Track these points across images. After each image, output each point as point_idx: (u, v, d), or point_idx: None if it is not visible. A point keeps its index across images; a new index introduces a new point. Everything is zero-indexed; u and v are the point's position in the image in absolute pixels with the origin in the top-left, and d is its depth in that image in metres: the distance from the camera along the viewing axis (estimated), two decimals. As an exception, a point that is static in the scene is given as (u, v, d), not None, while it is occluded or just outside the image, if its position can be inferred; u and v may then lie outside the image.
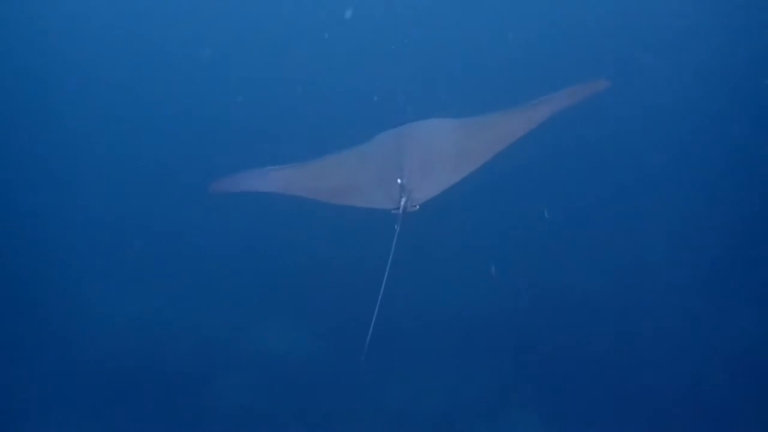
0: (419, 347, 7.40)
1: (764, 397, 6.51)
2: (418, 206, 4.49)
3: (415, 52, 10.50)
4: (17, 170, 9.33)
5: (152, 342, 7.61)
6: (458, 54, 10.49)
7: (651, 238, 8.27)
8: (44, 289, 8.05)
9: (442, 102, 5.74)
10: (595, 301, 7.72)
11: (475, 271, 7.89)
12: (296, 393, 7.13)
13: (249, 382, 7.27)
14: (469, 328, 7.59)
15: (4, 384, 7.07)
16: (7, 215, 8.81)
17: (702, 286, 7.65)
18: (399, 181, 4.45)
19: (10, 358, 7.30)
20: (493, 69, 10.05)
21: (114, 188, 9.38)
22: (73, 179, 9.44)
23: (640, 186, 8.88)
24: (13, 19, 11.19)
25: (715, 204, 8.44)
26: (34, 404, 6.96)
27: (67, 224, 8.78)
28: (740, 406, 6.50)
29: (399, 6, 11.09)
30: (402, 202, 4.42)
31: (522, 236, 8.43)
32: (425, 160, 4.59)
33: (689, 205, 8.45)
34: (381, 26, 11.00)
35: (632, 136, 9.27)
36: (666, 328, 7.28)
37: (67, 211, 8.91)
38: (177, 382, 7.20)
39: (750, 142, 8.80)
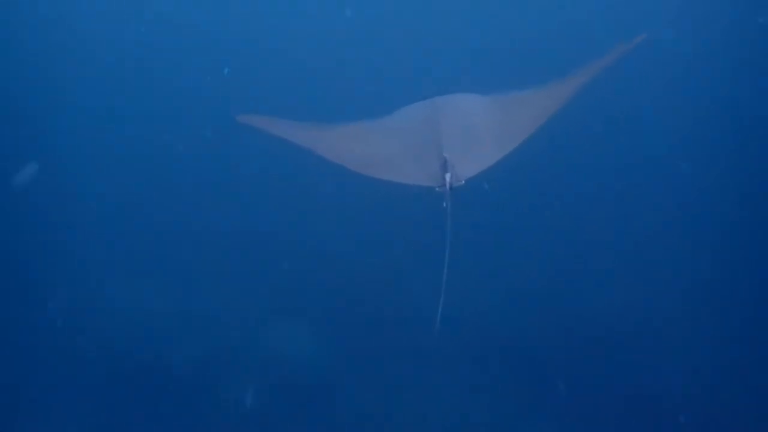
0: (432, 356, 7.07)
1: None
2: (463, 181, 4.31)
3: (430, 31, 10.47)
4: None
5: (157, 341, 7.32)
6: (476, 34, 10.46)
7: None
8: (47, 284, 7.78)
9: (461, 80, 5.47)
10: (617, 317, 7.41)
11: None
12: (302, 397, 6.89)
13: (256, 386, 6.95)
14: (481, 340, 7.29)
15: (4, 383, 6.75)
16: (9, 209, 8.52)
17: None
18: (445, 155, 4.28)
19: (11, 357, 6.98)
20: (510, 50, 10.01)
21: (122, 181, 9.14)
22: (76, 171, 9.21)
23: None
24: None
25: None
26: (36, 404, 6.69)
27: (71, 218, 8.51)
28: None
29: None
30: (448, 178, 4.24)
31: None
32: (465, 133, 4.44)
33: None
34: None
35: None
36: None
37: (71, 206, 8.66)
38: (183, 382, 6.93)
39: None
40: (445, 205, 4.25)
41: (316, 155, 4.46)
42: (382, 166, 4.42)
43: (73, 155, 9.35)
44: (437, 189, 4.28)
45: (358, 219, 7.98)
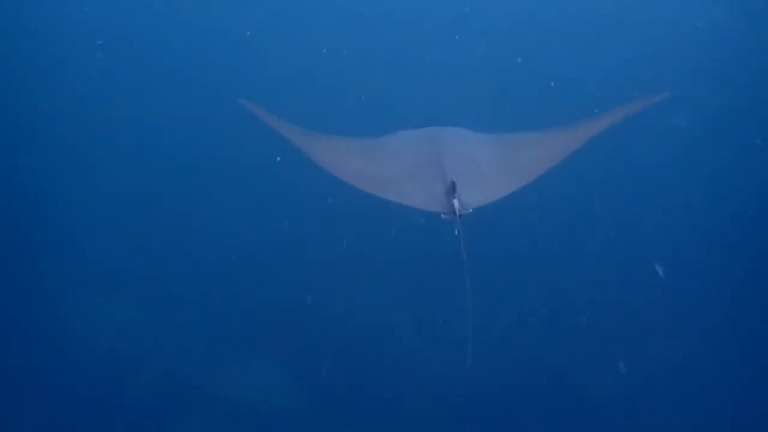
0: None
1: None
2: (471, 209, 3.97)
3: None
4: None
5: (112, 366, 6.71)
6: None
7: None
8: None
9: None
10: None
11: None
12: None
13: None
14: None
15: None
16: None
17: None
18: (452, 178, 3.93)
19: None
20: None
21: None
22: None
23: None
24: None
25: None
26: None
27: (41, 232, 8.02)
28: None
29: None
30: (456, 204, 3.88)
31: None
32: (467, 162, 4.24)
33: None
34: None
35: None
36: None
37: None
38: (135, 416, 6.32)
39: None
40: (456, 232, 3.93)
41: (316, 165, 4.13)
42: (382, 184, 4.11)
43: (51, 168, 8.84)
44: (443, 216, 3.94)
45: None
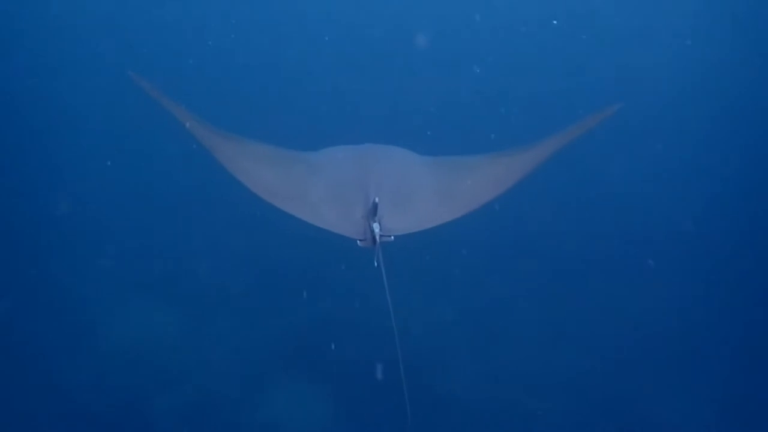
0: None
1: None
2: (392, 237, 3.32)
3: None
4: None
5: (139, 381, 6.55)
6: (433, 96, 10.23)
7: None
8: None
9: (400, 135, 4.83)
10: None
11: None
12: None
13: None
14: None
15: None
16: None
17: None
18: (375, 199, 3.31)
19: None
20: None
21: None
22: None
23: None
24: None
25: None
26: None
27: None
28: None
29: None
30: (376, 229, 3.26)
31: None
32: (399, 184, 3.70)
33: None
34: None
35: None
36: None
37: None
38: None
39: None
40: (376, 264, 3.33)
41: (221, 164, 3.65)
42: (295, 200, 3.55)
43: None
44: (359, 243, 3.34)
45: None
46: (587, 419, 6.53)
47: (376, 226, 3.28)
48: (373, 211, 3.30)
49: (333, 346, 6.61)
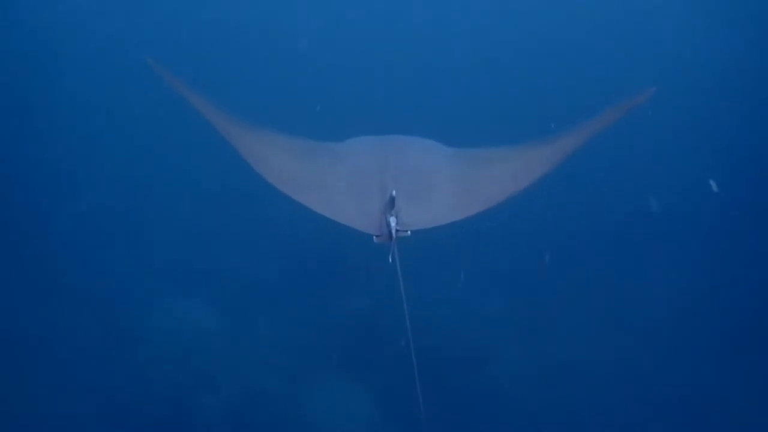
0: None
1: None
2: (410, 232, 3.11)
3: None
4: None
5: (183, 381, 6.51)
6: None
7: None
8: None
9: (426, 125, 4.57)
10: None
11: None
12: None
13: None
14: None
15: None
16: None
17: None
18: (393, 193, 3.10)
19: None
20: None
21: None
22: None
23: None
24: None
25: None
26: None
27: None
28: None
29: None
30: (392, 222, 3.05)
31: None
32: (420, 177, 3.51)
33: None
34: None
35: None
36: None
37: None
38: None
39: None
40: (391, 259, 3.11)
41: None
42: (311, 191, 3.38)
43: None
44: (375, 239, 3.14)
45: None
46: (646, 418, 6.17)
47: (392, 220, 3.07)
48: (390, 205, 3.10)
49: (373, 342, 6.49)
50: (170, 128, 8.87)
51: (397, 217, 3.08)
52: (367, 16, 11.62)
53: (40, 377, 6.24)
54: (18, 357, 6.40)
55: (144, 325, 6.89)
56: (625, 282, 7.66)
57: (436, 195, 3.37)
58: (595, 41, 11.05)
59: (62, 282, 7.18)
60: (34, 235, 7.75)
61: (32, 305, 6.90)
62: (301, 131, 3.82)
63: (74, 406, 6.03)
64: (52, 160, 8.88)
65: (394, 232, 3.06)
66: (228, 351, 6.81)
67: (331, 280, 7.30)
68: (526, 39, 11.02)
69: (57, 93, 10.02)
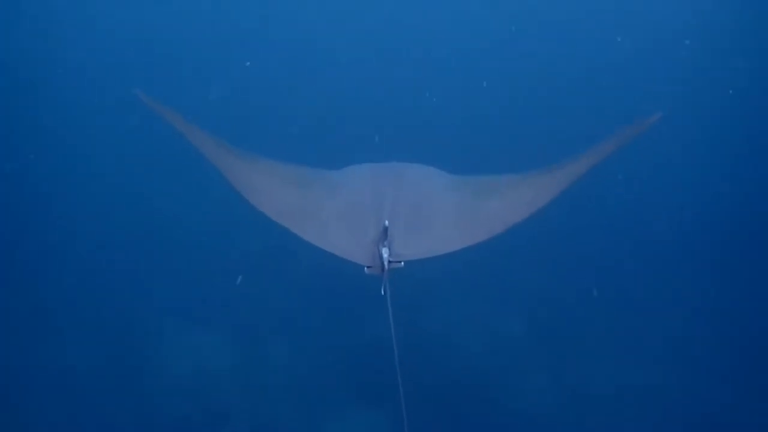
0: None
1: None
2: (403, 263, 3.05)
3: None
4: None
5: (194, 414, 6.43)
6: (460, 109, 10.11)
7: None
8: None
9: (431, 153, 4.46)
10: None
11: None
12: None
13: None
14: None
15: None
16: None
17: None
18: (386, 223, 3.03)
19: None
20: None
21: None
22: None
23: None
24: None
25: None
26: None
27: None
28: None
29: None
30: (385, 254, 2.98)
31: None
32: (418, 207, 3.44)
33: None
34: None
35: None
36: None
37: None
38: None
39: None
40: (383, 291, 3.08)
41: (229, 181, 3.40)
42: (303, 220, 3.31)
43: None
44: (366, 270, 3.06)
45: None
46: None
47: (385, 251, 2.99)
48: (383, 235, 3.03)
49: (386, 369, 6.34)
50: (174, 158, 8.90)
51: (390, 248, 3.02)
52: (368, 39, 11.53)
53: (48, 409, 6.23)
54: (25, 389, 6.41)
55: (154, 355, 6.85)
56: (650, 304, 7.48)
57: (432, 225, 3.31)
58: (599, 66, 10.99)
59: (72, 313, 7.18)
60: (44, 265, 7.76)
61: (42, 335, 6.94)
62: (299, 157, 3.80)
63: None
64: (67, 193, 8.95)
65: (386, 263, 3.00)
66: (240, 382, 6.74)
67: (346, 308, 7.17)
68: (532, 64, 10.93)
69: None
